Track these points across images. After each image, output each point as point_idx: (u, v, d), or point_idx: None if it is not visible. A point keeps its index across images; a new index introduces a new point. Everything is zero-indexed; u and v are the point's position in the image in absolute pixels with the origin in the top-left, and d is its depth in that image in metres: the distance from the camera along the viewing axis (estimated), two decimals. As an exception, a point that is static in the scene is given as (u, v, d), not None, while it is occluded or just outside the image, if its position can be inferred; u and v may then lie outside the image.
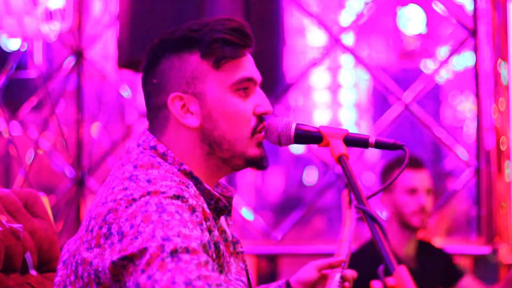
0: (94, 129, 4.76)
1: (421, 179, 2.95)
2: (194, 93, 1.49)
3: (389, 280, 1.22)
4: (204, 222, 1.40)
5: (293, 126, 1.50)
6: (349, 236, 1.77)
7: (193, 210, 1.38)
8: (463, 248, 3.92)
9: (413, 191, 2.92)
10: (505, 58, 3.77)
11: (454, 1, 5.91)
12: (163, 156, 1.49)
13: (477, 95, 3.85)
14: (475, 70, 3.88)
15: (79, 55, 4.24)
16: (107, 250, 1.33)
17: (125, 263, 1.30)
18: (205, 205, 1.43)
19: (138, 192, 1.37)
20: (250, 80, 1.51)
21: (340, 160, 1.41)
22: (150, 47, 1.54)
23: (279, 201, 7.82)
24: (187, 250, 1.27)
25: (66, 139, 4.24)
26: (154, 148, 1.50)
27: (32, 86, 4.40)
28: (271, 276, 4.18)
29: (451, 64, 6.60)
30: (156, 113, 1.53)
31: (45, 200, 1.87)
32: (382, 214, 3.39)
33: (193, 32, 1.50)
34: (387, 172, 3.01)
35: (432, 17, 6.10)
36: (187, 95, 1.49)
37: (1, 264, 1.58)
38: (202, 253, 1.29)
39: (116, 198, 1.37)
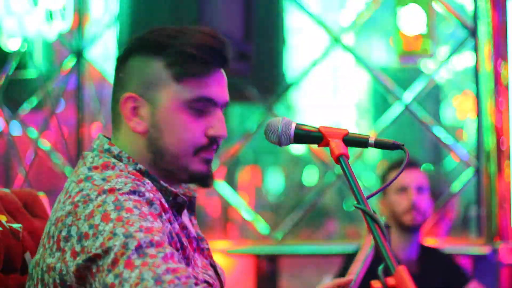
0: (94, 129, 4.76)
1: (411, 177, 2.95)
2: (149, 98, 1.49)
3: (389, 280, 1.22)
4: (163, 214, 1.40)
5: (293, 126, 1.49)
6: (364, 259, 1.77)
7: (150, 203, 1.38)
8: (463, 248, 3.92)
9: (403, 189, 2.93)
10: (505, 58, 3.77)
11: (454, 1, 5.90)
12: (118, 157, 1.49)
13: (477, 95, 3.85)
14: (475, 70, 3.88)
15: (79, 55, 4.24)
16: (67, 253, 1.33)
17: (88, 264, 1.30)
18: (163, 200, 1.44)
19: (94, 191, 1.37)
20: (208, 100, 1.49)
21: (340, 160, 1.41)
22: (131, 38, 1.56)
23: (279, 201, 7.82)
24: (151, 244, 1.27)
25: (66, 139, 4.24)
26: (108, 150, 1.51)
27: (32, 86, 4.40)
28: (271, 276, 4.17)
29: (451, 64, 6.59)
30: (113, 106, 1.54)
31: (45, 200, 1.87)
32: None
33: (166, 38, 1.49)
34: (384, 175, 3.03)
35: (432, 17, 6.09)
36: (141, 99, 1.49)
37: (1, 264, 1.58)
38: (166, 244, 1.29)
39: (74, 201, 1.37)
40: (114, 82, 1.55)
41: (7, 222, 1.65)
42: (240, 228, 6.14)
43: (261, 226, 4.18)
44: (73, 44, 4.27)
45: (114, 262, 1.26)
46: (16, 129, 4.48)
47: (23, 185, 4.08)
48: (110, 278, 1.25)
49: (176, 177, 1.52)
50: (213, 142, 1.50)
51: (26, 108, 4.42)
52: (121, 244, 1.27)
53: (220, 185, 4.36)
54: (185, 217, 1.58)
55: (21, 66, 4.39)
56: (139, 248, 1.26)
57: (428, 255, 3.00)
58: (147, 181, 1.45)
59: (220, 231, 6.39)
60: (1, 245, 1.58)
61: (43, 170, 4.70)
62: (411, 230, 2.94)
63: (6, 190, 1.78)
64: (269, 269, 4.14)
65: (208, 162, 1.51)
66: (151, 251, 1.26)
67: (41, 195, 1.87)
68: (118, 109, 1.52)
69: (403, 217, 2.91)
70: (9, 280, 1.59)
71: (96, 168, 1.46)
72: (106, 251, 1.27)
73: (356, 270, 1.69)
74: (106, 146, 1.51)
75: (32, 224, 1.73)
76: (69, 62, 4.27)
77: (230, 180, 6.53)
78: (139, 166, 1.48)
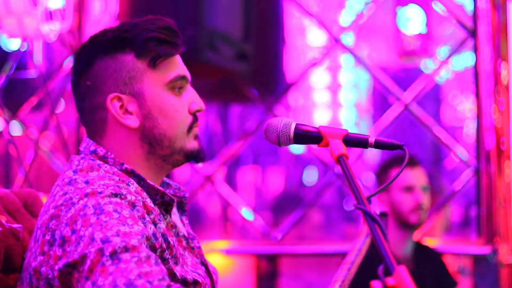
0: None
1: (416, 176, 2.96)
2: (132, 93, 1.50)
3: (389, 280, 1.22)
4: (146, 216, 1.40)
5: (293, 126, 1.49)
6: (358, 249, 1.76)
7: (133, 205, 1.39)
8: (463, 248, 3.92)
9: (409, 188, 2.93)
10: (505, 58, 3.77)
11: (454, 1, 5.91)
12: (104, 158, 1.50)
13: (477, 95, 3.85)
14: (475, 70, 3.88)
15: (79, 55, 4.23)
16: (52, 257, 1.34)
17: (70, 270, 1.31)
18: (148, 200, 1.45)
19: (76, 195, 1.38)
20: (183, 78, 1.55)
21: (340, 160, 1.41)
22: (80, 49, 1.55)
23: (279, 201, 7.81)
24: (126, 249, 1.27)
25: (66, 139, 4.24)
26: (94, 152, 1.51)
27: (32, 86, 4.40)
28: (271, 276, 4.17)
29: (451, 64, 6.60)
30: (91, 116, 1.53)
31: (45, 200, 1.86)
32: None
33: (125, 32, 1.51)
34: (383, 172, 3.01)
35: (432, 17, 6.09)
36: (125, 95, 1.50)
37: (1, 264, 1.58)
38: (142, 248, 1.29)
39: (57, 205, 1.38)
40: (82, 93, 1.54)
41: (7, 222, 1.65)
42: (240, 228, 6.14)
43: (261, 226, 4.17)
44: (73, 44, 4.27)
45: (91, 269, 1.27)
46: (16, 129, 4.48)
47: (23, 185, 4.08)
48: (88, 286, 1.26)
49: (171, 160, 1.54)
50: (195, 117, 1.55)
51: (26, 108, 4.42)
52: (96, 250, 1.27)
53: (220, 185, 4.36)
54: (175, 216, 1.59)
55: (21, 66, 4.40)
56: (113, 254, 1.27)
57: (422, 252, 3.01)
58: (132, 181, 1.46)
59: (220, 231, 6.40)
60: (1, 245, 1.58)
61: (43, 170, 4.70)
62: (413, 228, 2.95)
63: (6, 190, 1.78)
64: (269, 269, 4.14)
65: (197, 137, 1.56)
66: (126, 256, 1.26)
67: (41, 195, 1.87)
68: (100, 115, 1.52)
69: (408, 217, 2.91)
70: (9, 280, 1.59)
71: (81, 170, 1.47)
72: (84, 258, 1.28)
73: (351, 259, 1.69)
74: (92, 148, 1.52)
75: (32, 224, 1.73)
76: (69, 62, 4.27)
77: (230, 180, 6.53)
78: (125, 166, 1.49)
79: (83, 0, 4.34)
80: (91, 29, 4.34)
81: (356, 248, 1.76)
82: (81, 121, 1.57)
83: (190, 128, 1.53)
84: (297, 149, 8.07)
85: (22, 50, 4.34)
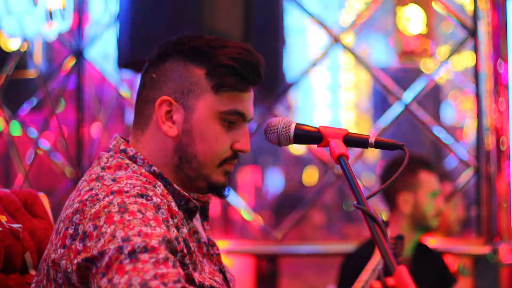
0: (94, 129, 4.76)
1: (439, 183, 3.00)
2: (184, 104, 1.51)
3: (389, 280, 1.22)
4: (170, 219, 1.41)
5: (293, 126, 1.49)
6: (374, 268, 1.76)
7: (157, 207, 1.39)
8: (463, 248, 3.92)
9: (435, 194, 2.96)
10: (505, 58, 3.76)
11: (454, 1, 5.91)
12: (133, 158, 1.51)
13: (477, 95, 3.85)
14: (475, 70, 3.87)
15: (79, 55, 4.24)
16: (72, 251, 1.34)
17: (88, 265, 1.31)
18: (173, 204, 1.45)
19: (102, 191, 1.38)
20: (240, 115, 1.53)
21: (340, 160, 1.41)
22: (167, 41, 1.56)
23: (279, 201, 7.82)
24: (145, 249, 1.28)
25: (66, 139, 4.24)
26: (124, 151, 1.52)
27: (32, 86, 4.40)
28: (271, 276, 4.17)
29: (451, 64, 6.60)
30: (142, 106, 1.55)
31: (45, 200, 1.87)
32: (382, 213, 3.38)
33: (209, 48, 1.51)
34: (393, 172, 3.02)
35: (432, 17, 6.09)
36: (177, 104, 1.51)
37: (1, 264, 1.58)
38: (162, 250, 1.29)
39: (83, 199, 1.39)
40: (145, 82, 1.55)
41: (7, 222, 1.65)
42: (240, 228, 6.15)
43: (261, 226, 4.17)
44: (73, 44, 4.27)
45: (108, 266, 1.27)
46: (16, 129, 4.48)
47: (23, 185, 4.08)
48: (104, 282, 1.27)
49: (195, 184, 1.54)
50: (236, 156, 1.54)
51: (26, 108, 4.42)
52: (116, 247, 1.28)
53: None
54: (197, 221, 1.59)
55: (21, 66, 4.40)
56: (132, 253, 1.27)
57: (423, 253, 3.01)
58: (159, 183, 1.47)
59: (220, 231, 6.40)
60: (1, 245, 1.58)
61: (43, 170, 4.70)
62: (430, 232, 2.99)
63: (6, 190, 1.78)
64: (269, 269, 4.14)
65: (228, 174, 1.55)
66: (144, 256, 1.27)
67: (41, 195, 1.87)
68: (148, 109, 1.53)
69: (431, 221, 2.93)
70: (9, 280, 1.59)
71: (109, 168, 1.48)
72: (102, 254, 1.29)
73: (366, 278, 1.68)
74: (122, 147, 1.53)
75: (32, 224, 1.73)
76: (69, 62, 4.27)
77: (230, 180, 6.52)
78: (154, 168, 1.50)
79: (83, 0, 4.34)
80: (91, 29, 4.35)
81: (371, 268, 1.75)
82: (135, 107, 1.58)
83: (223, 162, 1.53)
84: (297, 149, 8.07)
85: (22, 50, 4.34)
